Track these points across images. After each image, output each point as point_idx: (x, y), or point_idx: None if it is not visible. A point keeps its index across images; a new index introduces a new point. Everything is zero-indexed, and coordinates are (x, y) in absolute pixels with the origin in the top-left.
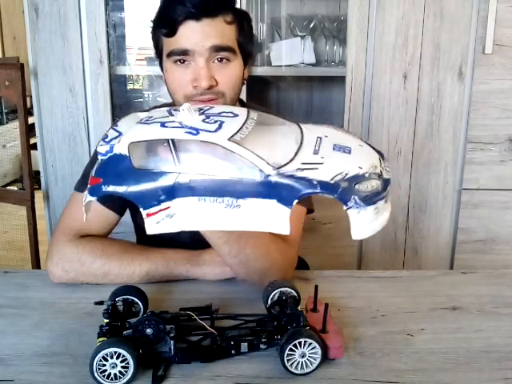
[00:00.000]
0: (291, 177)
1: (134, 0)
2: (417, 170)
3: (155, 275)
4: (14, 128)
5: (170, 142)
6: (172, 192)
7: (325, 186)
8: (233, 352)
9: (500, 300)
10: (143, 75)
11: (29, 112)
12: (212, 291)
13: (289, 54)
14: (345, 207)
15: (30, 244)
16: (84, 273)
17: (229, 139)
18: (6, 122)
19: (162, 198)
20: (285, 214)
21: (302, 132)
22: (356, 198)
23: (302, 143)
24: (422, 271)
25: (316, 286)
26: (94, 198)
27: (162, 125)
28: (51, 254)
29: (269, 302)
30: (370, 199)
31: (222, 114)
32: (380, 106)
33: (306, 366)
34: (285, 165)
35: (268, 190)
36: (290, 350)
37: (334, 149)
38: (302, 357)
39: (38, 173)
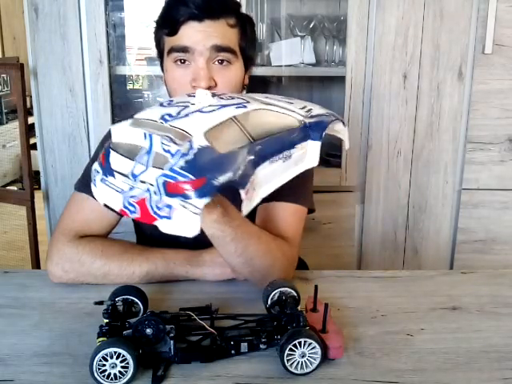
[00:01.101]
0: (313, 116)
1: (133, 0)
2: (416, 170)
3: (155, 275)
4: (13, 128)
5: (234, 119)
6: (254, 164)
7: (332, 115)
8: (233, 352)
9: (500, 300)
10: (143, 75)
11: (29, 112)
12: (212, 291)
13: (289, 54)
14: (344, 127)
15: (29, 244)
16: (84, 273)
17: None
18: (6, 122)
19: (250, 172)
20: (317, 147)
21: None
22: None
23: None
24: (422, 271)
25: (316, 286)
26: (209, 199)
27: (200, 111)
28: (51, 254)
29: (269, 301)
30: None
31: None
32: (380, 105)
33: (306, 366)
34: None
35: (305, 132)
36: (290, 349)
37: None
38: (302, 357)
39: (37, 173)
